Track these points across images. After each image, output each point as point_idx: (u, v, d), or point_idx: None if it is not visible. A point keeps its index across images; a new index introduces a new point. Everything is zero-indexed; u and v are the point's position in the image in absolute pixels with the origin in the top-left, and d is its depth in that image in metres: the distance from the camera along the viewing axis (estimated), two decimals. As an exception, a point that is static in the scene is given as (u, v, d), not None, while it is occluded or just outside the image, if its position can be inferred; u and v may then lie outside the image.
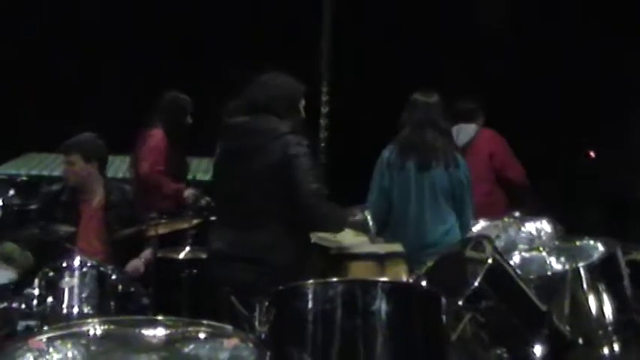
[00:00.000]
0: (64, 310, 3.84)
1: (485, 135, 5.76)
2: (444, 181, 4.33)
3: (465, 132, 5.65)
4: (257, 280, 3.38)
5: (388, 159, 4.48)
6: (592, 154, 10.45)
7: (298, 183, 3.58)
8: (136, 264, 4.60)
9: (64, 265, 3.96)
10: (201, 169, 8.51)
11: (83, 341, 2.15)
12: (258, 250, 3.63)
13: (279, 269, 3.49)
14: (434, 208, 4.34)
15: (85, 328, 2.20)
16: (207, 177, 6.66)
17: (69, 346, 2.11)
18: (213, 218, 4.33)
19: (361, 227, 4.68)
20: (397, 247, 4.01)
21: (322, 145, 8.20)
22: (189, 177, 6.00)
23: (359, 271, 3.79)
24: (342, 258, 3.91)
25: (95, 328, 2.20)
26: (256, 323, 2.53)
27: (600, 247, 3.50)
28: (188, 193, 5.62)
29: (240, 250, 3.67)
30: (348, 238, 4.08)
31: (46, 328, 2.25)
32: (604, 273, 3.29)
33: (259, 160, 3.64)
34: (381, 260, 3.88)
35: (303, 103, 3.90)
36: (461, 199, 4.37)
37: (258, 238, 3.63)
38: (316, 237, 3.95)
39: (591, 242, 3.56)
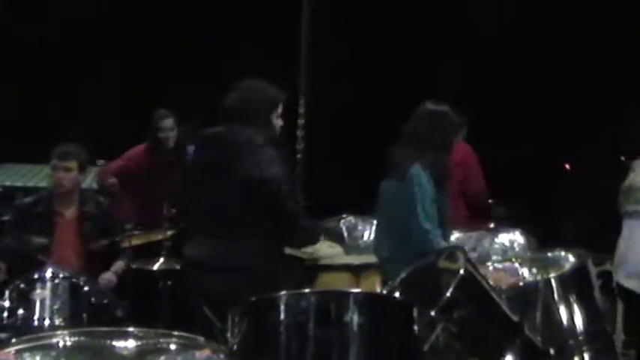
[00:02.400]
0: (36, 323, 3.79)
1: (458, 148, 5.78)
2: (397, 193, 4.10)
3: None
4: (235, 289, 3.36)
5: None
6: (567, 166, 10.55)
7: (279, 205, 3.60)
8: (109, 277, 4.56)
9: (36, 276, 3.91)
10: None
11: (53, 353, 2.13)
12: (236, 260, 3.61)
13: (258, 279, 3.48)
14: (392, 220, 4.14)
15: (54, 340, 2.18)
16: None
17: (38, 358, 2.09)
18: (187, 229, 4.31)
19: (337, 238, 4.70)
20: (371, 259, 4.02)
21: (299, 156, 8.21)
22: None
23: (333, 282, 3.81)
24: (316, 269, 3.92)
25: (65, 340, 2.18)
26: (229, 334, 2.52)
27: (571, 258, 3.55)
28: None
29: (219, 260, 3.65)
30: (323, 249, 4.09)
31: (14, 340, 2.21)
32: (575, 284, 3.34)
33: (234, 172, 3.64)
34: (356, 271, 3.88)
35: (280, 110, 3.87)
36: (408, 211, 4.01)
37: (235, 248, 3.62)
38: (291, 248, 3.96)
39: (562, 253, 3.61)
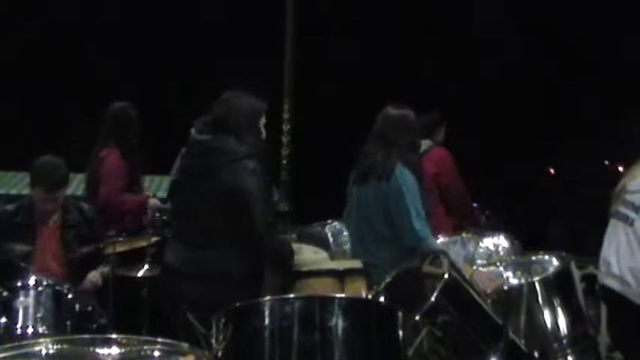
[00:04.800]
0: (19, 331, 3.76)
1: (434, 154, 5.75)
2: (378, 195, 4.09)
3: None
4: (207, 296, 3.38)
5: (351, 173, 4.39)
6: (552, 170, 10.62)
7: (249, 218, 3.63)
8: (95, 276, 4.53)
9: (19, 284, 3.88)
10: (163, 187, 8.43)
11: (35, 361, 2.11)
12: (208, 267, 3.66)
13: (231, 286, 3.51)
14: (370, 224, 4.13)
15: (37, 348, 2.17)
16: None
17: (20, 366, 2.08)
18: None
19: (322, 244, 4.69)
20: (356, 264, 4.01)
21: (284, 162, 8.22)
22: (150, 195, 5.91)
23: (318, 287, 3.80)
24: (301, 275, 3.91)
25: (48, 348, 2.16)
26: (213, 341, 2.51)
27: (555, 262, 3.57)
28: (152, 203, 5.49)
29: (191, 267, 3.70)
30: (308, 254, 4.08)
31: (-4, 348, 2.19)
32: (559, 287, 3.36)
33: (213, 181, 3.69)
34: (341, 276, 3.88)
35: (264, 120, 3.92)
36: (396, 211, 4.02)
37: (209, 256, 3.66)
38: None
39: (546, 257, 3.63)
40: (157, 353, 2.21)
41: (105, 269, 4.61)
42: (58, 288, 3.94)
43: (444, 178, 5.67)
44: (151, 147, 5.78)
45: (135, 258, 4.93)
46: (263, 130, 3.91)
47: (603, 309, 4.69)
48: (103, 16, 9.48)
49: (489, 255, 4.23)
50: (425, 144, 5.76)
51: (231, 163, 3.67)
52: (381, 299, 3.07)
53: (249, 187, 3.64)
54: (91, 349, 2.18)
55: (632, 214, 3.52)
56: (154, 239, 4.94)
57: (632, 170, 3.70)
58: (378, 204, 4.07)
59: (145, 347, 2.24)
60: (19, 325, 3.79)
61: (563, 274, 3.45)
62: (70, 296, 3.95)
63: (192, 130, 6.32)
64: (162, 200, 5.93)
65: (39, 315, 3.82)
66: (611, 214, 3.67)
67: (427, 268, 3.16)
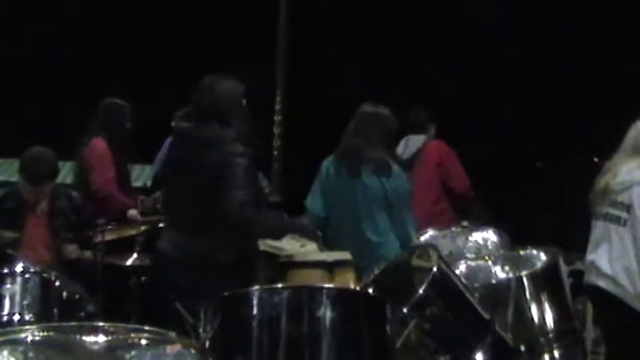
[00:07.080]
0: (5, 318, 3.74)
1: (433, 146, 5.80)
2: (377, 190, 4.22)
3: (413, 143, 5.70)
4: (198, 284, 3.39)
5: (327, 166, 4.47)
6: (540, 165, 10.66)
7: (224, 190, 3.59)
8: (73, 248, 4.55)
9: (6, 271, 3.86)
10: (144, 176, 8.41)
11: (21, 348, 2.09)
12: (199, 255, 3.65)
13: (221, 274, 3.51)
14: (367, 217, 4.24)
15: (23, 335, 2.15)
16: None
17: (5, 353, 2.06)
18: (161, 225, 4.29)
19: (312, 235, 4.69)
20: (346, 255, 4.01)
21: (275, 153, 8.21)
22: (141, 184, 5.88)
23: (307, 279, 3.79)
24: (290, 266, 3.91)
25: (34, 335, 2.15)
26: (201, 330, 2.52)
27: (543, 257, 3.58)
28: (131, 214, 5.36)
29: (183, 255, 3.70)
30: (297, 246, 4.07)
31: (-18, 335, 2.18)
32: (546, 282, 3.37)
33: (200, 168, 3.67)
34: (330, 268, 3.88)
35: (244, 102, 3.91)
36: (398, 209, 4.24)
37: (200, 243, 3.66)
38: (265, 245, 3.94)
39: (534, 252, 3.64)
40: (144, 341, 2.19)
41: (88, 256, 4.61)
42: (45, 275, 3.92)
43: (444, 165, 5.69)
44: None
45: (124, 246, 4.93)
46: (246, 111, 3.89)
47: (589, 305, 4.72)
48: (98, 11, 9.44)
49: (478, 249, 4.23)
50: (419, 140, 5.79)
51: (216, 149, 3.65)
52: (369, 291, 3.08)
53: (228, 165, 3.59)
54: (78, 336, 2.16)
55: (623, 214, 3.47)
56: (142, 228, 4.94)
57: (612, 168, 3.64)
58: (377, 198, 4.19)
59: (132, 335, 2.23)
60: (5, 312, 3.77)
61: (551, 269, 3.46)
62: (57, 284, 3.93)
63: (173, 123, 6.31)
64: (144, 190, 5.89)
65: (26, 302, 3.80)
66: (597, 216, 3.62)
67: (416, 261, 3.17)
